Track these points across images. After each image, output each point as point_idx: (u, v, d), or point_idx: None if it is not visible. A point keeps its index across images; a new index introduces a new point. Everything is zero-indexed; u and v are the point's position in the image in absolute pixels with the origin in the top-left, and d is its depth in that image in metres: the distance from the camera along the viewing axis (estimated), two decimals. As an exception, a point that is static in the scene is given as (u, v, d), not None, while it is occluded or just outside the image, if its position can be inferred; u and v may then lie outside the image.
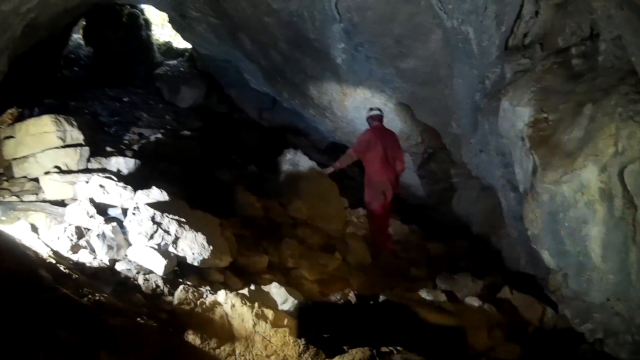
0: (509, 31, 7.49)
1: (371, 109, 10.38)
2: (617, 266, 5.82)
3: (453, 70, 8.96)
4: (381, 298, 7.42)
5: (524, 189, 7.08)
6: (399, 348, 5.50)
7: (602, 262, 5.96)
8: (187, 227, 6.58)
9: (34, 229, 6.31)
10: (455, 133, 10.26)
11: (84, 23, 19.16)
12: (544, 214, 6.53)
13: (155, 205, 6.79)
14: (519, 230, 8.36)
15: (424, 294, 7.74)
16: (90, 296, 4.88)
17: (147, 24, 20.22)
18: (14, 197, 7.98)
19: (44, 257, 5.43)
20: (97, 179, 7.62)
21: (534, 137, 6.58)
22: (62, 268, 5.28)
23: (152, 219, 6.46)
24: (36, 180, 8.40)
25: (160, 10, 14.38)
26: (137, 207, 6.63)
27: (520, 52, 7.42)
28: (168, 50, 21.47)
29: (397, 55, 9.40)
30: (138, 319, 4.83)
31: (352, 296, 7.37)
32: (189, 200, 7.74)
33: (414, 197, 12.80)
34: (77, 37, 20.21)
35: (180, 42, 20.95)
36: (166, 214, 6.64)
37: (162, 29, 22.20)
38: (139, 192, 7.26)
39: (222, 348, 4.99)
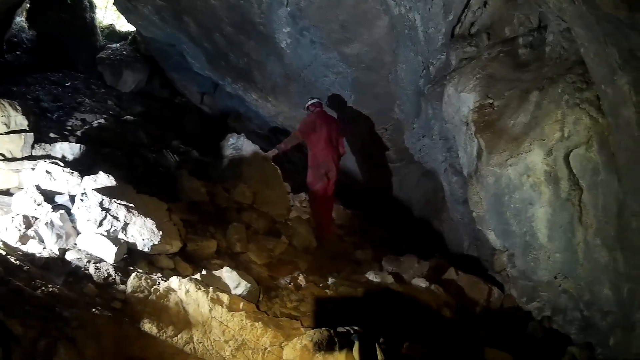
0: (455, 20, 7.56)
1: (311, 98, 10.54)
2: (564, 245, 5.99)
3: (398, 56, 9.02)
4: (330, 280, 7.52)
5: (468, 172, 7.20)
6: (355, 328, 5.56)
7: (549, 241, 6.14)
8: (135, 212, 6.51)
9: None
10: (397, 118, 10.36)
11: (28, 5, 18.81)
12: (489, 196, 6.69)
13: (102, 191, 6.69)
14: (461, 214, 8.51)
15: (371, 276, 7.82)
16: (43, 288, 4.83)
17: (92, 6, 19.80)
18: None
19: None
20: (43, 165, 7.50)
21: (479, 122, 6.71)
22: (12, 260, 5.21)
23: (101, 204, 6.38)
24: None
25: (106, -9, 14.18)
26: (85, 193, 6.53)
27: (467, 40, 7.51)
28: (111, 33, 21.16)
29: (342, 41, 9.45)
30: (93, 310, 4.78)
31: (301, 279, 7.43)
32: (134, 185, 7.65)
33: (355, 182, 12.86)
34: (20, 20, 19.85)
35: (123, 25, 20.74)
36: (114, 199, 6.55)
37: (105, 11, 21.88)
38: (86, 177, 7.15)
39: (179, 336, 4.98)
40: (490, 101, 6.75)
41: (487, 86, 6.88)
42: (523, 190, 6.18)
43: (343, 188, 11.88)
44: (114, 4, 15.41)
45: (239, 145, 10.96)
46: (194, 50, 14.09)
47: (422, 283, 7.52)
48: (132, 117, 14.24)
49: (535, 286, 6.68)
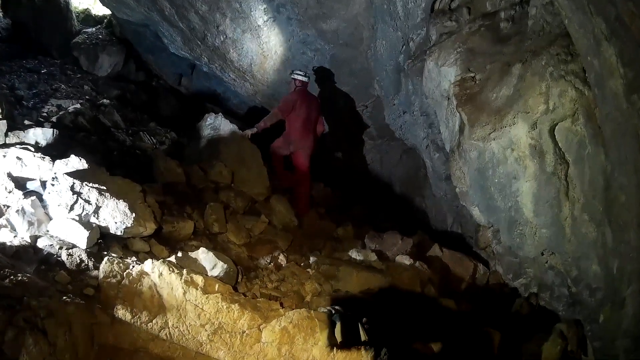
0: None
1: (298, 71, 10.32)
2: (550, 220, 5.90)
3: (376, 32, 8.95)
4: (311, 259, 7.45)
5: (451, 147, 7.13)
6: (337, 308, 5.50)
7: (535, 216, 6.06)
8: (107, 195, 6.41)
9: None
10: (377, 95, 10.30)
11: (1, -7, 18.65)
12: (472, 171, 6.61)
13: (74, 175, 6.60)
14: (444, 190, 8.46)
15: (354, 254, 7.76)
16: (12, 277, 4.75)
17: (66, -9, 19.66)
18: None
19: None
20: (14, 150, 7.38)
21: (461, 96, 6.62)
22: None
23: (72, 188, 6.28)
24: None
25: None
26: (56, 177, 6.45)
27: (447, 15, 7.42)
28: (87, 17, 20.97)
29: (319, 17, 9.35)
30: (64, 298, 4.71)
31: (282, 259, 7.37)
32: (109, 169, 7.51)
33: (336, 160, 12.78)
34: (-6, 9, 19.69)
35: (99, 9, 20.55)
36: (86, 182, 6.46)
37: (81, -5, 21.72)
38: (57, 161, 7.05)
39: (154, 321, 4.92)
40: (472, 75, 6.67)
41: (468, 60, 6.80)
42: (507, 165, 6.08)
43: (323, 166, 11.83)
44: (87, -15, 15.28)
45: (216, 125, 10.82)
46: (168, 31, 13.88)
47: (406, 260, 7.47)
48: (108, 101, 14.09)
49: (521, 262, 6.63)
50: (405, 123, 9.78)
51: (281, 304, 5.88)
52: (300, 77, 10.24)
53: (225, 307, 5.15)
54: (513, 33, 6.62)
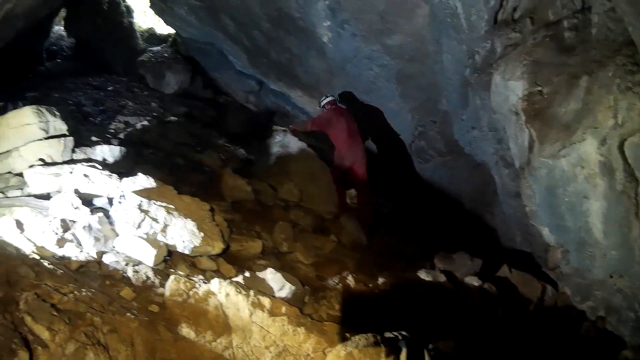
0: (497, 5, 7.29)
1: (325, 97, 10.80)
2: (620, 242, 5.71)
3: (441, 46, 8.81)
4: (380, 280, 7.35)
5: (520, 164, 6.97)
6: (403, 333, 5.39)
7: (604, 237, 5.86)
8: (175, 213, 6.47)
9: (19, 224, 6.16)
10: (445, 110, 10.13)
11: (65, 14, 18.97)
12: (541, 190, 6.44)
13: (142, 193, 6.69)
14: (513, 207, 8.27)
15: (422, 275, 7.67)
16: (75, 292, 4.80)
17: (129, 10, 19.93)
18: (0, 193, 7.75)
19: (27, 253, 5.34)
20: (81, 168, 7.49)
21: (529, 111, 6.45)
22: (45, 264, 5.19)
23: (139, 206, 6.35)
24: (21, 175, 8.14)
25: (140, -7, 14.15)
26: (123, 195, 6.53)
27: (510, 26, 7.25)
28: (151, 36, 21.27)
29: (383, 32, 9.25)
30: (128, 314, 4.73)
31: (350, 279, 7.26)
32: (176, 186, 7.59)
33: (405, 176, 12.64)
34: (58, 28, 20.10)
35: (163, 28, 20.78)
36: (153, 200, 6.54)
37: (144, 15, 21.99)
38: (125, 179, 7.14)
39: (218, 341, 4.94)
40: (539, 88, 6.49)
41: (534, 73, 6.60)
42: (577, 183, 5.90)
43: (389, 183, 11.75)
44: (150, 6, 15.41)
45: (285, 142, 10.92)
46: (233, 49, 14.00)
47: (474, 282, 7.40)
48: (175, 118, 14.26)
49: (589, 285, 6.45)
50: (474, 139, 9.60)
51: (347, 327, 5.77)
52: (327, 100, 10.70)
53: (291, 330, 5.14)
54: (577, 42, 6.41)
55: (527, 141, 6.55)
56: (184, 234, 6.36)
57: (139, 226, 6.18)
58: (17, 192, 7.73)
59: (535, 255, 7.89)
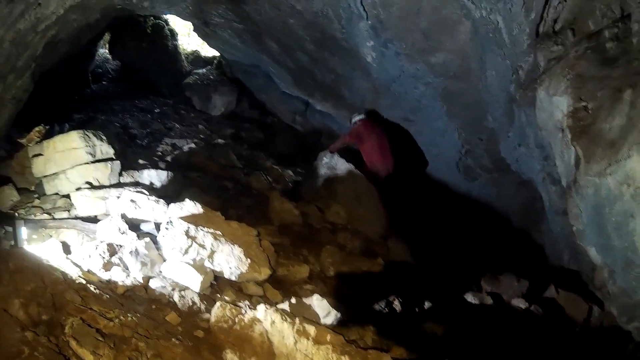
0: (538, 17, 7.21)
1: (356, 114, 11.70)
2: (667, 263, 5.56)
3: (485, 62, 8.76)
4: (427, 305, 7.33)
5: (567, 182, 6.86)
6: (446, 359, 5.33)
7: (651, 258, 5.70)
8: (223, 240, 6.51)
9: (66, 247, 6.30)
10: (491, 127, 10.06)
11: (109, 37, 19.25)
12: (588, 208, 6.32)
13: (189, 219, 6.74)
14: (561, 225, 8.17)
15: (469, 298, 7.65)
16: (121, 317, 4.85)
17: (173, 34, 20.21)
18: (46, 214, 7.91)
19: (73, 277, 5.40)
20: (127, 193, 7.58)
21: (574, 128, 6.34)
22: (92, 288, 5.25)
23: (187, 233, 6.40)
24: (68, 196, 8.30)
25: (184, 19, 14.24)
26: (171, 222, 6.58)
27: (552, 38, 7.14)
28: (196, 58, 21.52)
29: (427, 50, 9.23)
30: (173, 339, 4.76)
31: (397, 304, 7.22)
32: (223, 210, 7.65)
33: (451, 194, 12.57)
34: (103, 51, 20.39)
35: (207, 50, 21.00)
36: (201, 227, 6.58)
37: (188, 38, 22.23)
38: (172, 205, 7.18)
39: None
40: (584, 104, 6.37)
41: (578, 87, 6.47)
42: (624, 201, 5.76)
43: (436, 199, 11.89)
44: (194, 30, 15.54)
45: (332, 164, 10.95)
46: (278, 71, 14.07)
47: (521, 304, 7.33)
48: (222, 140, 14.33)
49: (635, 305, 6.31)
50: (521, 155, 9.51)
51: (392, 355, 5.71)
52: (358, 118, 11.61)
53: (335, 358, 5.10)
54: (619, 53, 6.26)
55: (573, 159, 6.46)
56: (231, 261, 6.39)
57: (186, 252, 6.23)
58: (64, 214, 7.87)
59: (582, 273, 7.77)
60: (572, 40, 6.79)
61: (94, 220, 7.64)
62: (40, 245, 6.15)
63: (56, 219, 7.74)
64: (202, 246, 6.30)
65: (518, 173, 9.96)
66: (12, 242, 6.57)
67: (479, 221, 11.92)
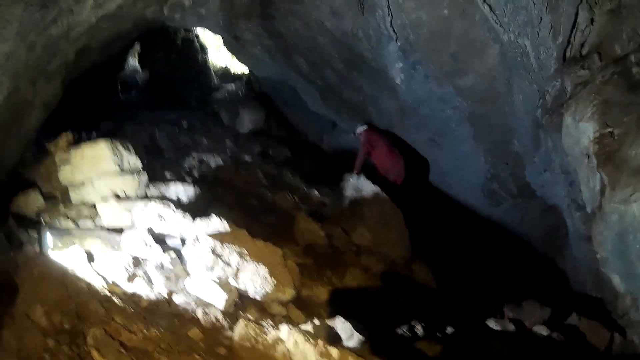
0: (565, 42, 7.22)
1: (359, 126, 12.13)
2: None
3: (512, 86, 8.77)
4: (449, 330, 7.27)
5: (592, 209, 6.81)
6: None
7: (673, 287, 5.67)
8: (248, 258, 6.58)
9: (90, 256, 6.33)
10: (517, 152, 10.02)
11: (139, 48, 19.39)
12: (612, 236, 6.27)
13: (215, 236, 6.78)
14: (584, 251, 8.15)
15: (492, 324, 7.60)
16: (144, 331, 4.89)
17: (203, 48, 20.41)
18: (70, 222, 7.93)
19: (97, 288, 5.46)
20: (154, 207, 7.62)
21: (600, 154, 6.33)
22: (115, 300, 5.30)
23: (213, 250, 6.46)
24: (93, 206, 8.34)
25: (214, 32, 14.33)
26: (197, 238, 6.65)
27: (579, 63, 7.13)
28: (225, 74, 21.62)
29: (455, 73, 9.27)
30: (194, 355, 4.79)
31: (419, 328, 7.20)
32: (249, 227, 7.69)
33: (475, 217, 12.52)
34: (133, 61, 20.49)
35: (237, 66, 21.06)
36: (227, 244, 6.63)
37: (218, 52, 22.32)
38: (199, 221, 7.22)
39: None
40: (610, 130, 6.36)
41: (604, 113, 6.45)
42: (648, 230, 5.71)
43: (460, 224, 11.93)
44: (224, 44, 15.59)
45: (359, 185, 11.00)
46: (306, 88, 14.14)
47: (543, 331, 7.28)
48: (250, 157, 14.36)
49: (656, 334, 6.25)
50: (546, 181, 9.49)
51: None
52: (362, 128, 12.10)
53: None
54: (645, 78, 6.27)
55: (598, 185, 6.42)
56: (256, 280, 6.43)
57: (211, 269, 6.28)
58: (89, 223, 7.92)
59: (605, 300, 7.73)
60: (599, 65, 6.77)
61: (118, 231, 7.66)
62: (65, 253, 6.17)
63: (81, 227, 7.79)
64: (228, 264, 6.34)
65: (543, 198, 9.94)
66: (37, 247, 6.59)
67: (503, 246, 11.86)
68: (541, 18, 7.08)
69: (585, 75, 6.91)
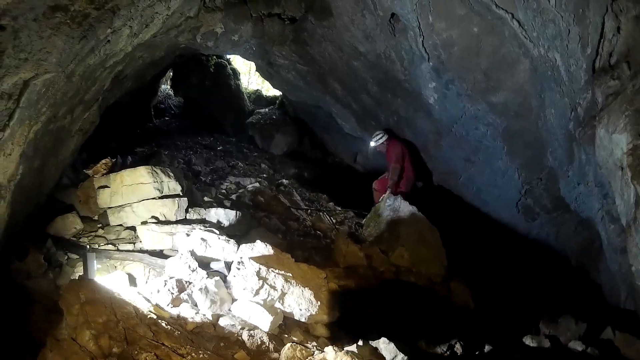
0: (594, 52, 7.16)
1: (379, 133, 12.20)
2: None
3: (544, 100, 8.79)
4: (487, 348, 7.33)
5: (626, 221, 6.77)
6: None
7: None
8: (293, 282, 6.64)
9: (132, 279, 6.46)
10: (551, 166, 10.02)
11: (171, 74, 19.60)
12: (647, 249, 6.18)
13: (260, 259, 6.83)
14: (619, 264, 8.11)
15: (527, 341, 7.57)
16: (193, 354, 4.91)
17: (235, 73, 20.58)
18: (110, 245, 8.11)
19: (144, 312, 5.52)
20: (198, 232, 7.71)
21: (634, 166, 6.27)
22: (163, 324, 5.33)
23: (258, 273, 6.52)
24: (132, 228, 8.53)
25: (247, 59, 14.45)
26: (242, 262, 6.69)
27: (608, 73, 7.07)
28: (258, 98, 21.79)
29: (488, 90, 9.32)
30: None
31: (458, 347, 7.26)
32: (290, 250, 7.80)
33: (510, 234, 12.49)
34: (166, 87, 20.71)
35: (269, 90, 21.19)
36: (272, 268, 6.69)
37: (249, 76, 22.48)
38: (243, 245, 7.28)
39: None
40: (644, 141, 6.29)
41: (637, 124, 6.39)
42: (681, 243, 5.70)
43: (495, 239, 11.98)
44: (257, 70, 15.71)
45: (396, 206, 10.96)
46: (342, 112, 14.23)
47: (578, 346, 7.24)
48: (287, 181, 14.41)
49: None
50: (580, 194, 9.47)
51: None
52: (385, 138, 12.18)
53: None
54: (676, 87, 6.23)
55: (633, 197, 6.39)
56: (301, 303, 6.50)
57: (257, 293, 6.34)
58: (129, 246, 8.09)
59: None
60: (629, 74, 6.73)
61: (159, 254, 7.86)
62: (107, 277, 6.31)
63: (121, 250, 7.93)
64: (273, 287, 6.42)
65: (577, 212, 9.91)
66: (77, 270, 6.71)
67: (538, 261, 11.82)
68: (569, 30, 7.10)
69: (616, 85, 6.88)
